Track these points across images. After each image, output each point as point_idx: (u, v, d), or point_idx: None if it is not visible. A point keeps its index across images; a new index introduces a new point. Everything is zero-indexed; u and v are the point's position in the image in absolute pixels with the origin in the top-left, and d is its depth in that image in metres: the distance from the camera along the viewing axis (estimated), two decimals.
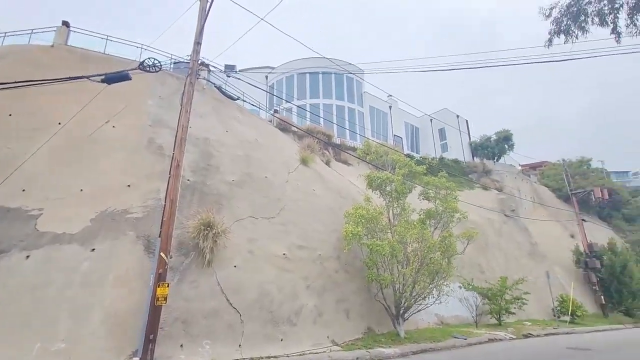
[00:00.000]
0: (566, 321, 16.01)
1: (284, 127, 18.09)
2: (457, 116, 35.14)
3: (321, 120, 23.83)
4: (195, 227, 7.79)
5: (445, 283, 10.71)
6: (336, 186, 13.87)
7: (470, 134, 35.87)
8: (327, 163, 16.62)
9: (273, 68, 29.85)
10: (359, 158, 14.91)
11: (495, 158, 33.12)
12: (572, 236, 25.65)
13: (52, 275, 6.52)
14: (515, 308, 14.57)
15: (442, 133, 35.10)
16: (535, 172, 38.63)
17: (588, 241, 22.30)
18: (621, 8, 11.05)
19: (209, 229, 7.80)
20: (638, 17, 10.78)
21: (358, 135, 25.54)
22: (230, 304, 7.70)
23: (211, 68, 9.21)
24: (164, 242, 6.37)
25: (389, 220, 11.57)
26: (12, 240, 6.80)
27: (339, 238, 10.93)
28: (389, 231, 11.05)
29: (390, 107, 32.28)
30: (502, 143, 33.73)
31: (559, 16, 11.55)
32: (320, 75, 27.47)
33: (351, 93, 28.74)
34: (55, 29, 12.06)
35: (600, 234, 26.78)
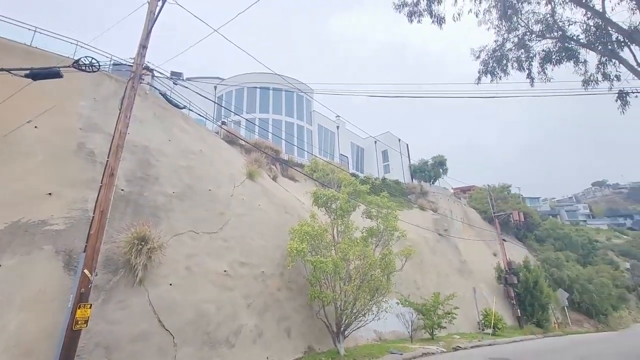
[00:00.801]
0: (489, 333, 17.42)
1: (232, 139, 17.68)
2: (399, 140, 37.44)
3: (270, 135, 23.77)
4: (127, 241, 7.17)
5: (384, 299, 11.09)
6: (282, 202, 13.81)
7: (410, 157, 38.35)
8: (274, 178, 16.52)
9: (223, 79, 29.29)
10: (306, 175, 15.07)
11: (432, 181, 35.70)
12: (495, 254, 28.31)
13: None
14: (446, 322, 15.51)
15: (385, 155, 37.04)
16: (465, 195, 42.37)
17: (507, 259, 24.77)
18: (535, 57, 12.95)
19: (143, 243, 7.23)
20: (547, 66, 12.71)
21: (306, 153, 25.86)
22: (163, 325, 7.14)
23: (156, 74, 8.75)
24: (90, 257, 5.75)
25: (333, 237, 11.77)
26: None
27: (283, 255, 10.81)
28: (333, 248, 11.23)
29: (338, 127, 33.35)
30: (437, 167, 36.56)
31: (486, 58, 13.19)
32: (271, 91, 27.58)
33: (301, 111, 29.21)
34: None
35: (517, 253, 29.97)
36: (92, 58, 6.79)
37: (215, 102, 23.98)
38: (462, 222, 30.37)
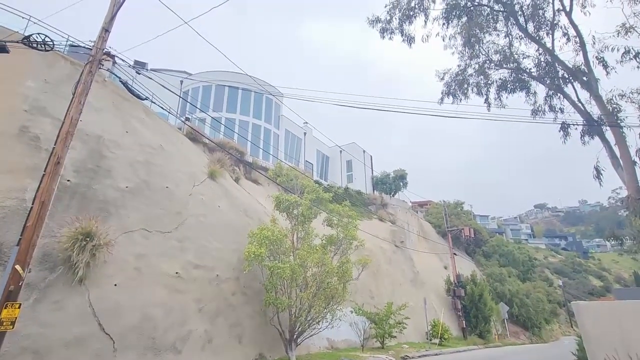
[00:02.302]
0: (436, 343, 18.12)
1: (195, 137, 17.09)
2: (364, 151, 38.31)
3: (235, 136, 23.29)
4: (70, 236, 6.62)
5: (339, 307, 11.16)
6: (243, 204, 13.52)
7: (373, 169, 39.34)
8: (237, 180, 16.16)
9: (190, 74, 28.34)
10: (269, 178, 14.91)
11: (392, 193, 36.83)
12: (446, 267, 29.68)
13: None
14: (397, 332, 15.93)
15: (349, 165, 37.67)
16: (422, 209, 44.20)
17: (457, 272, 26.05)
18: (492, 84, 13.97)
19: (88, 239, 6.71)
20: (503, 94, 13.74)
21: (271, 156, 25.63)
22: (103, 329, 6.64)
23: (118, 61, 8.25)
24: (23, 252, 5.23)
25: (293, 243, 11.71)
26: None
27: (240, 258, 10.55)
28: (292, 254, 11.16)
29: (305, 133, 33.46)
30: (398, 180, 37.81)
31: (449, 81, 14.02)
32: (240, 91, 27.11)
33: (269, 114, 28.97)
34: None
35: (466, 267, 31.64)
36: (46, 36, 6.29)
37: (180, 97, 23.11)
38: (418, 235, 31.57)
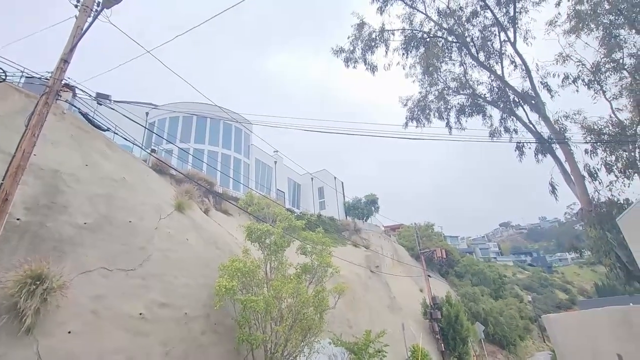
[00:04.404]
0: None
1: (162, 169, 16.58)
2: (335, 177, 38.76)
3: (205, 166, 22.84)
4: (17, 280, 6.00)
5: (316, 339, 10.73)
6: (213, 236, 13.02)
7: (345, 195, 39.71)
8: (206, 212, 15.66)
9: (156, 106, 27.89)
10: (240, 208, 14.58)
11: (365, 218, 37.14)
12: (421, 290, 29.77)
13: None
14: None
15: (321, 192, 37.83)
16: (395, 232, 44.73)
17: (432, 294, 26.16)
18: (452, 109, 14.85)
19: (38, 283, 6.11)
20: (462, 117, 14.60)
21: (242, 186, 25.24)
22: None
23: (78, 92, 7.96)
24: None
25: (266, 274, 11.31)
26: None
27: (210, 294, 9.99)
28: (265, 286, 10.74)
29: (275, 162, 33.47)
30: (370, 205, 38.32)
31: (412, 106, 14.78)
32: (208, 121, 26.93)
33: (238, 143, 28.83)
34: None
35: (440, 288, 31.91)
36: None
37: (146, 128, 22.55)
38: (392, 259, 31.70)
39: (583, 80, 12.96)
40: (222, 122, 26.98)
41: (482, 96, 13.82)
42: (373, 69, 13.52)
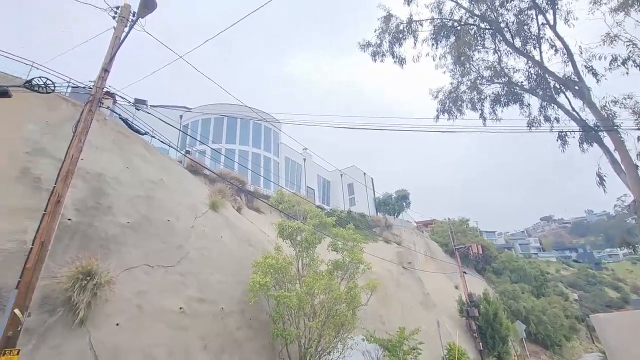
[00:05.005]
0: None
1: (196, 169, 17.21)
2: (364, 173, 38.41)
3: (236, 165, 23.44)
4: (70, 276, 6.48)
5: (349, 336, 10.74)
6: (246, 234, 13.36)
7: (375, 191, 39.27)
8: (239, 210, 16.09)
9: (189, 109, 28.96)
10: (271, 206, 14.84)
11: (396, 214, 36.56)
12: (456, 287, 28.90)
13: None
14: (411, 358, 15.21)
15: (350, 188, 37.65)
16: (427, 228, 43.69)
17: (468, 291, 25.32)
18: (486, 99, 14.19)
19: (88, 278, 6.56)
20: (497, 108, 13.92)
21: (272, 184, 25.67)
22: None
23: (118, 99, 8.44)
24: (22, 295, 5.09)
25: (298, 270, 11.45)
26: None
27: (244, 290, 10.27)
28: (297, 282, 10.88)
29: (304, 159, 33.70)
30: (401, 201, 37.66)
31: (443, 98, 14.27)
32: (239, 121, 27.59)
33: (268, 142, 29.31)
34: None
35: (477, 285, 30.81)
36: (47, 79, 6.45)
37: (180, 130, 23.50)
38: (425, 255, 31.01)
39: (634, 61, 11.89)
40: (251, 122, 27.55)
41: (519, 84, 13.06)
42: (401, 61, 13.18)
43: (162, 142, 12.38)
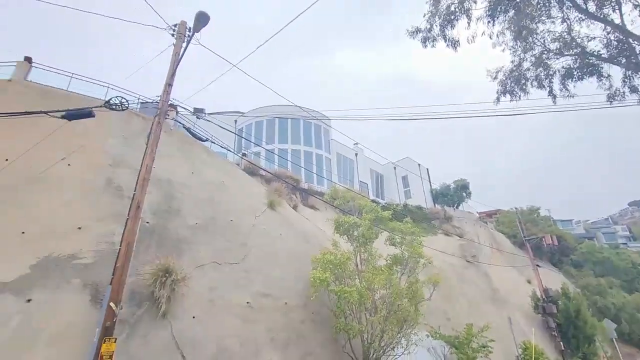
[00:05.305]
0: None
1: (252, 170, 18.01)
2: (419, 164, 37.05)
3: (289, 164, 24.08)
4: (152, 273, 7.21)
5: (413, 332, 10.49)
6: (303, 231, 13.68)
7: (431, 182, 37.70)
8: (295, 207, 16.53)
9: (243, 113, 30.37)
10: (326, 202, 14.99)
11: (455, 205, 34.75)
12: (529, 282, 26.65)
13: None
14: (482, 357, 14.40)
15: (405, 180, 36.59)
16: (492, 219, 40.81)
17: (544, 286, 23.21)
18: (555, 75, 12.76)
19: (167, 275, 7.24)
20: (568, 83, 12.46)
21: (325, 181, 25.92)
22: None
23: (180, 110, 9.17)
24: (115, 290, 5.78)
25: (357, 265, 11.44)
26: None
27: (305, 285, 10.54)
28: (357, 277, 10.87)
29: (356, 154, 33.48)
30: (460, 191, 35.69)
31: (504, 79, 13.11)
32: (289, 121, 28.26)
33: (319, 140, 29.63)
34: (15, 64, 11.62)
35: (553, 279, 28.09)
36: (122, 97, 7.19)
37: (236, 134, 24.76)
38: (491, 248, 29.06)
39: None
40: (302, 121, 28.05)
41: (596, 53, 11.49)
42: (454, 44, 12.35)
43: (220, 146, 13.15)
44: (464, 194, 35.82)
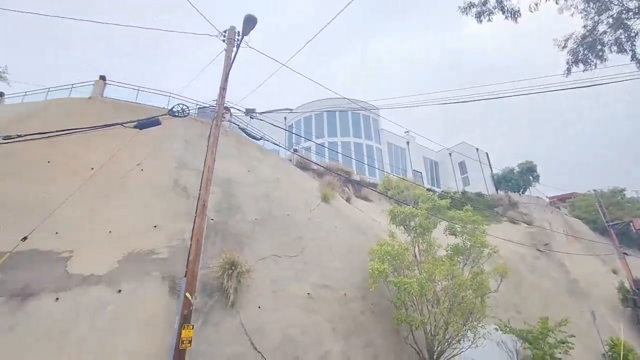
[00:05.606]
0: None
1: (304, 165, 18.36)
2: (477, 149, 34.82)
3: (340, 157, 24.11)
4: (220, 266, 7.74)
5: (480, 324, 9.97)
6: (358, 223, 13.66)
7: (492, 167, 35.24)
8: (348, 200, 16.53)
9: (291, 110, 30.99)
10: (380, 193, 14.78)
11: (521, 190, 32.13)
12: (615, 272, 23.80)
13: (78, 317, 6.50)
14: (560, 353, 13.24)
15: (462, 166, 34.67)
16: (565, 204, 36.99)
17: (633, 277, 20.59)
18: (637, 35, 11.10)
19: (233, 268, 7.72)
20: None
21: (377, 171, 25.54)
22: (255, 347, 7.39)
23: (232, 111, 9.66)
24: (190, 282, 6.31)
25: (415, 256, 11.15)
26: (43, 282, 6.92)
27: (363, 277, 10.54)
28: (416, 268, 10.60)
29: (407, 142, 32.47)
30: (526, 174, 32.89)
31: (575, 46, 11.72)
32: (337, 114, 28.24)
33: (368, 130, 29.22)
34: (93, 82, 13.11)
35: None
36: (183, 105, 7.74)
37: (286, 130, 25.39)
38: (566, 235, 26.43)
39: None
40: (349, 112, 27.86)
41: None
42: (514, 14, 11.24)
43: (273, 143, 13.60)
44: (531, 178, 32.92)
